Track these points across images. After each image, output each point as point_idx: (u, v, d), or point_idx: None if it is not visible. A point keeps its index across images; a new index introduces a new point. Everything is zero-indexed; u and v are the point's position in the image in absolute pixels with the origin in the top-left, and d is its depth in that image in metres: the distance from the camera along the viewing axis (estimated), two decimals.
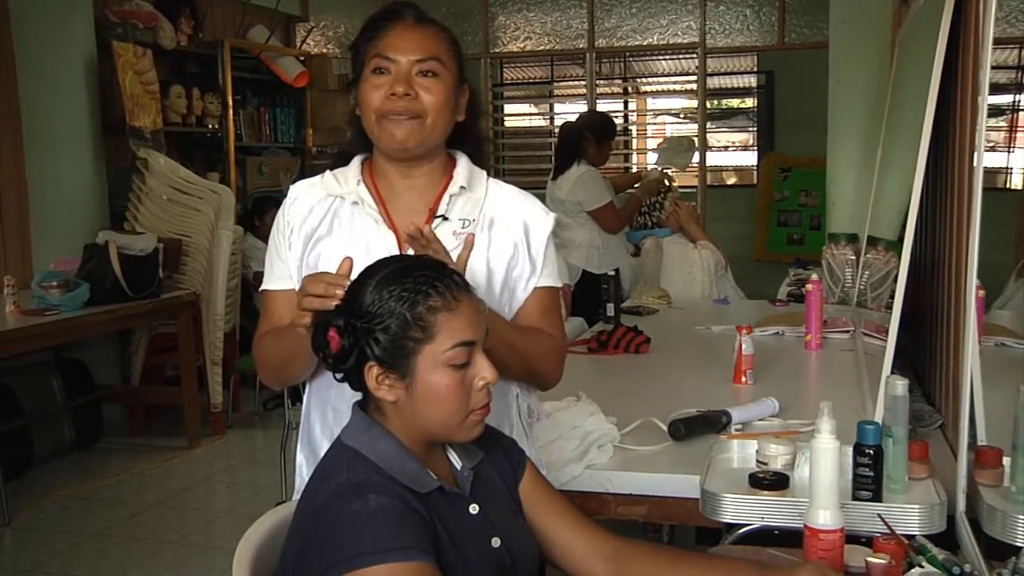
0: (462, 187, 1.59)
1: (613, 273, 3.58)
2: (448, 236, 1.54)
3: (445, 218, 1.58)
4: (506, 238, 1.60)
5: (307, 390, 1.64)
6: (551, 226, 1.65)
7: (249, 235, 5.69)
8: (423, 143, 1.55)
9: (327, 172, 1.64)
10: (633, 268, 4.64)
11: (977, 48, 1.69)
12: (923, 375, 2.35)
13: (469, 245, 1.48)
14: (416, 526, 1.19)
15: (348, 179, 1.61)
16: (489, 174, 1.67)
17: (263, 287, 1.65)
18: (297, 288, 1.49)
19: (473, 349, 1.27)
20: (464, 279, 1.31)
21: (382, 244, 1.54)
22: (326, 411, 1.60)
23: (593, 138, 4.62)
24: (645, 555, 1.36)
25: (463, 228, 1.57)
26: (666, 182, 4.80)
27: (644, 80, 9.01)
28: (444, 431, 1.29)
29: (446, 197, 1.59)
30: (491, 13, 7.48)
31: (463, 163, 1.63)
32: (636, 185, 5.01)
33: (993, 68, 1.58)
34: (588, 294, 4.05)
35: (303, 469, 1.64)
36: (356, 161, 1.63)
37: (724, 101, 9.05)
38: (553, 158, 4.90)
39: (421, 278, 1.26)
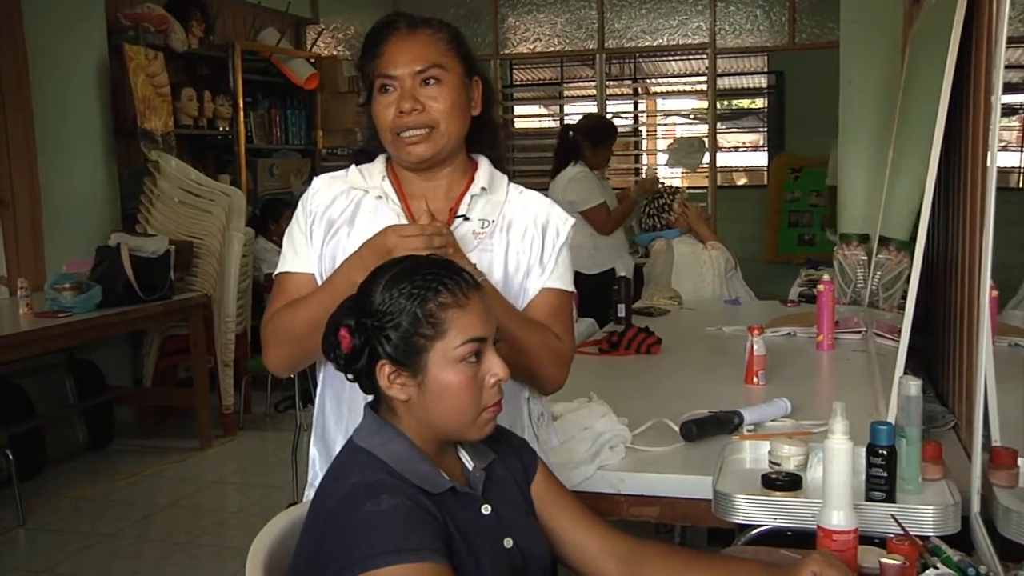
0: (483, 188, 1.61)
1: (624, 274, 3.58)
2: (468, 236, 1.57)
3: (466, 218, 1.59)
4: (524, 240, 1.61)
5: (320, 385, 1.65)
6: (568, 231, 1.66)
7: (260, 237, 5.71)
8: (441, 151, 1.57)
9: (351, 167, 1.66)
10: (643, 270, 4.62)
11: (990, 47, 1.68)
12: (936, 375, 2.34)
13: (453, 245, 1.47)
14: (428, 526, 1.19)
15: (373, 174, 1.63)
16: (510, 177, 1.68)
17: (279, 270, 1.63)
18: (316, 275, 1.57)
19: (484, 345, 1.27)
20: (473, 278, 1.32)
21: None
22: (341, 406, 1.60)
23: (588, 142, 4.63)
24: (657, 555, 1.36)
25: (483, 228, 1.59)
26: (660, 187, 4.77)
27: (654, 81, 9.02)
28: (456, 429, 1.29)
29: (467, 197, 1.61)
30: (501, 14, 7.49)
31: (484, 166, 1.64)
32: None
33: (1006, 67, 1.57)
34: (579, 294, 4.03)
35: (316, 463, 1.65)
36: (381, 159, 1.65)
37: (734, 102, 9.04)
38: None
39: (431, 275, 1.26)
